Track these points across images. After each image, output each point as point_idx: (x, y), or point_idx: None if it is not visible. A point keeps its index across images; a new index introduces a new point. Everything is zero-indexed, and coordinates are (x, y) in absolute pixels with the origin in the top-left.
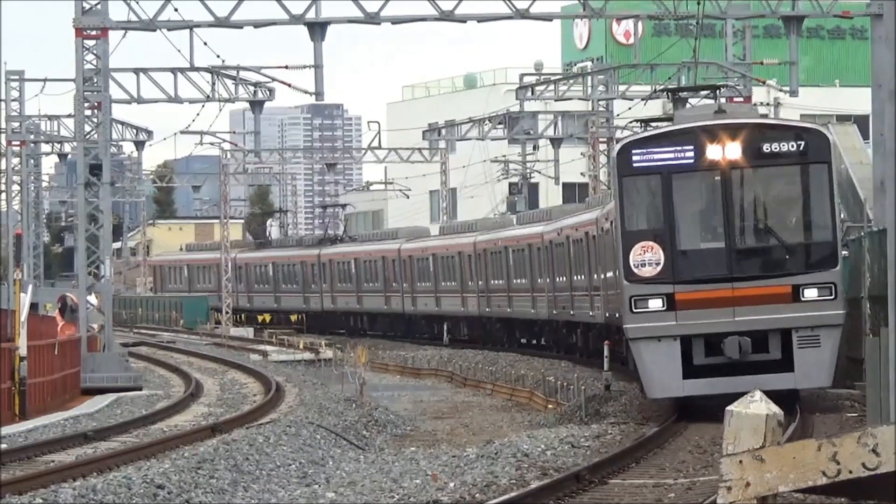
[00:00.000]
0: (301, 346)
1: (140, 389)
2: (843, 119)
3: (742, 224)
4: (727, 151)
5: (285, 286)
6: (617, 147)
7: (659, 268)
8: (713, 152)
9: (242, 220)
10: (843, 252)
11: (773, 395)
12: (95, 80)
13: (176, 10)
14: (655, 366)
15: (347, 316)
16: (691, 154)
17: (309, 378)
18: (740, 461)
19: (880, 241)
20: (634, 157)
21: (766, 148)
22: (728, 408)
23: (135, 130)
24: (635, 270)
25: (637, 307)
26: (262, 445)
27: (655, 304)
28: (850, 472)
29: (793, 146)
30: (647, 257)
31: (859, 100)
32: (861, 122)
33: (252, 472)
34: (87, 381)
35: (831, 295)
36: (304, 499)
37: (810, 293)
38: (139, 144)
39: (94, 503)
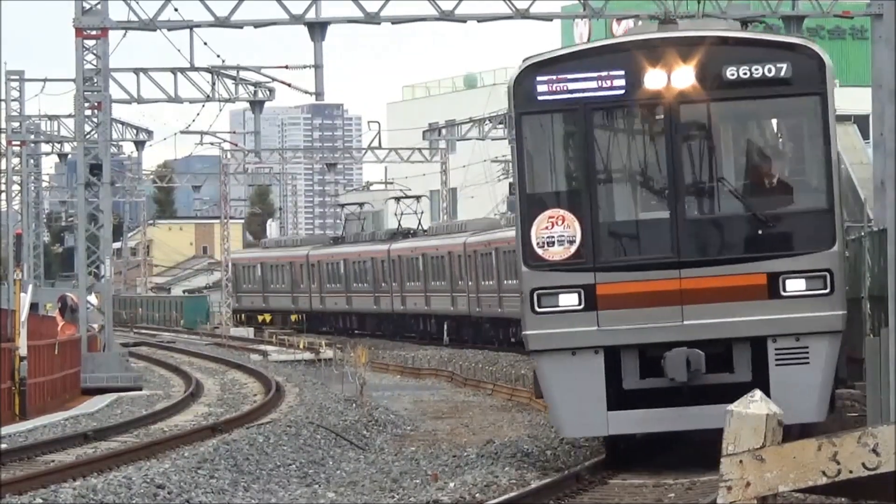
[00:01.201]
0: (301, 346)
1: (140, 389)
2: (843, 119)
3: (695, 184)
4: (675, 78)
5: (357, 285)
6: (515, 72)
7: (574, 247)
8: (654, 79)
9: (243, 220)
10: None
11: None
12: (95, 80)
13: (176, 10)
14: (568, 391)
15: (418, 319)
16: (622, 82)
17: (309, 378)
18: (740, 461)
19: (880, 241)
20: (539, 87)
21: (730, 73)
22: (728, 407)
23: (135, 130)
24: (539, 252)
25: (542, 305)
26: (262, 445)
27: (568, 300)
28: (851, 471)
29: (770, 70)
30: (557, 233)
31: (859, 100)
32: (861, 122)
33: (252, 472)
34: (87, 381)
35: (825, 288)
36: (304, 499)
37: (795, 285)
38: (139, 144)
39: (94, 503)
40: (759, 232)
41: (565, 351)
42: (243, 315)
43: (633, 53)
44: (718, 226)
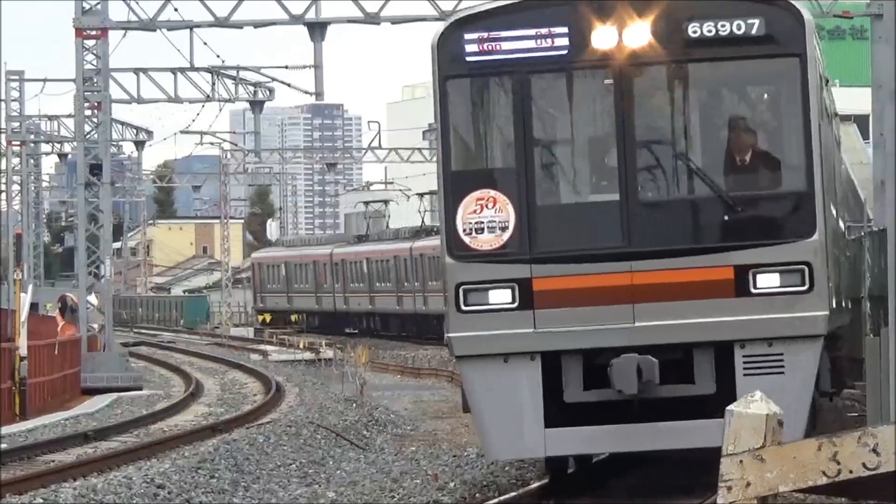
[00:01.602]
0: (301, 346)
1: (140, 389)
2: (843, 119)
3: (650, 161)
4: (627, 36)
5: (379, 285)
6: (440, 28)
7: (506, 235)
8: (603, 37)
9: (243, 220)
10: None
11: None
12: (95, 80)
13: (176, 10)
14: (498, 404)
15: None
16: (565, 41)
17: (309, 378)
18: (740, 461)
19: (880, 241)
20: (468, 46)
21: (693, 30)
22: (728, 408)
23: (135, 130)
24: (466, 240)
25: (468, 302)
26: (262, 445)
27: (500, 296)
28: (851, 471)
29: (741, 27)
30: (487, 217)
31: (859, 100)
32: (861, 122)
33: (252, 472)
34: (88, 381)
35: (803, 284)
36: (304, 499)
37: (767, 280)
38: (139, 144)
39: (94, 503)
40: (726, 218)
41: (496, 357)
42: (268, 316)
43: (578, 7)
44: (677, 210)
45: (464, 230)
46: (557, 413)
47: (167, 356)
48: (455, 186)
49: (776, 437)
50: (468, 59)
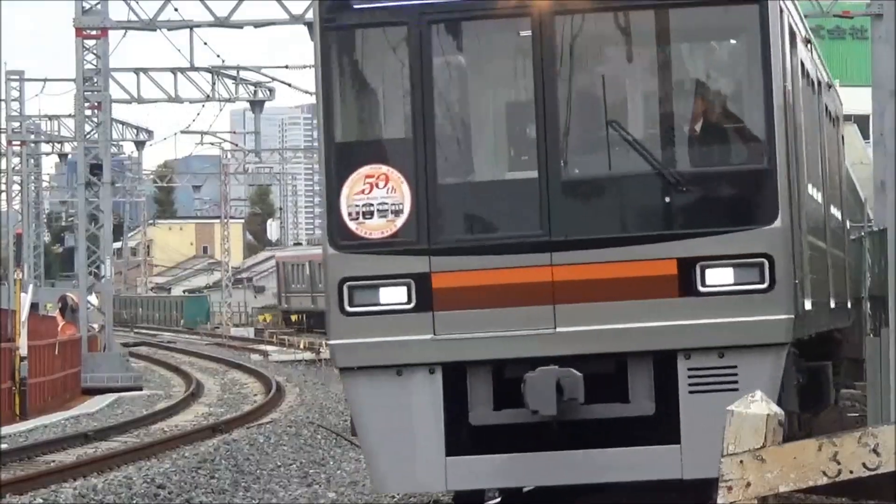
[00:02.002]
0: (301, 347)
1: (140, 389)
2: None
3: (576, 131)
4: None
5: None
6: None
7: (401, 220)
8: None
9: (243, 220)
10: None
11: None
12: (95, 80)
13: (176, 10)
14: (390, 427)
15: None
16: None
17: (309, 378)
18: (741, 461)
19: (880, 241)
20: None
21: None
22: (728, 408)
23: (135, 130)
24: (352, 226)
25: (354, 303)
26: (262, 445)
27: (392, 295)
28: (851, 472)
29: None
30: (378, 199)
31: (859, 100)
32: (861, 121)
33: (252, 472)
34: (88, 381)
35: (762, 281)
36: (304, 499)
37: (718, 276)
38: (139, 144)
39: (94, 503)
40: (667, 199)
41: (387, 370)
42: (294, 317)
43: None
44: (608, 190)
45: (349, 214)
46: (462, 438)
47: (167, 356)
48: (339, 161)
49: (776, 437)
50: (355, 6)
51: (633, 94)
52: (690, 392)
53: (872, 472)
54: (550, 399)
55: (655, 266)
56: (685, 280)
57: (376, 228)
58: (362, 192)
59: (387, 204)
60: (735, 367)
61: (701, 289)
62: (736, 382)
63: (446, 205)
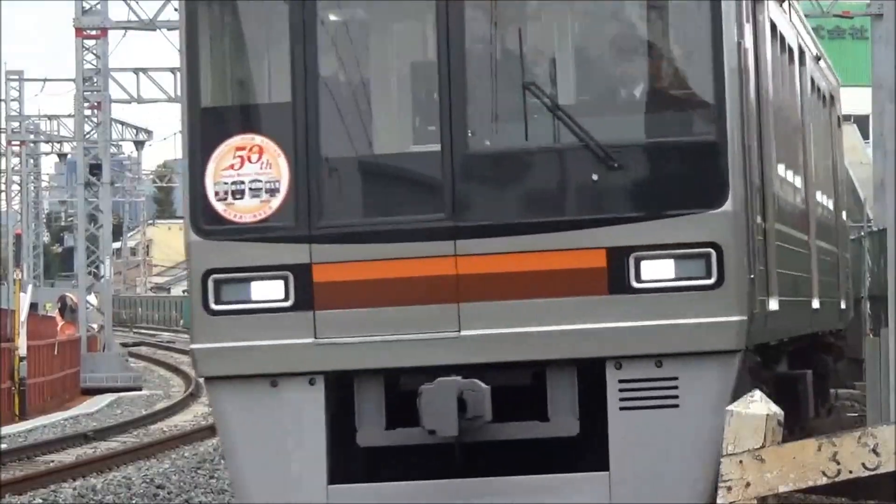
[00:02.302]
0: None
1: (140, 389)
2: (842, 119)
3: (486, 95)
4: None
5: None
6: None
7: (277, 201)
8: None
9: None
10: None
11: None
12: (95, 80)
13: (176, 9)
14: (261, 448)
15: None
16: None
17: None
18: (740, 461)
19: (880, 241)
20: None
21: None
22: (728, 408)
23: (134, 130)
24: (219, 207)
25: (221, 299)
26: None
27: (266, 291)
28: (851, 472)
29: None
30: (250, 175)
31: (859, 100)
32: (861, 122)
33: None
34: (87, 381)
35: (709, 276)
36: None
37: (655, 269)
38: (139, 144)
39: (94, 503)
40: (595, 177)
41: (260, 380)
42: None
43: None
44: (523, 165)
45: (216, 194)
46: (347, 462)
47: (167, 356)
48: (205, 130)
49: (776, 437)
50: None
51: (556, 53)
52: (622, 408)
53: (872, 472)
54: (450, 417)
55: (580, 257)
56: (616, 274)
57: (247, 211)
58: (231, 167)
59: (260, 181)
60: (675, 378)
61: (635, 284)
62: (677, 397)
63: (331, 183)
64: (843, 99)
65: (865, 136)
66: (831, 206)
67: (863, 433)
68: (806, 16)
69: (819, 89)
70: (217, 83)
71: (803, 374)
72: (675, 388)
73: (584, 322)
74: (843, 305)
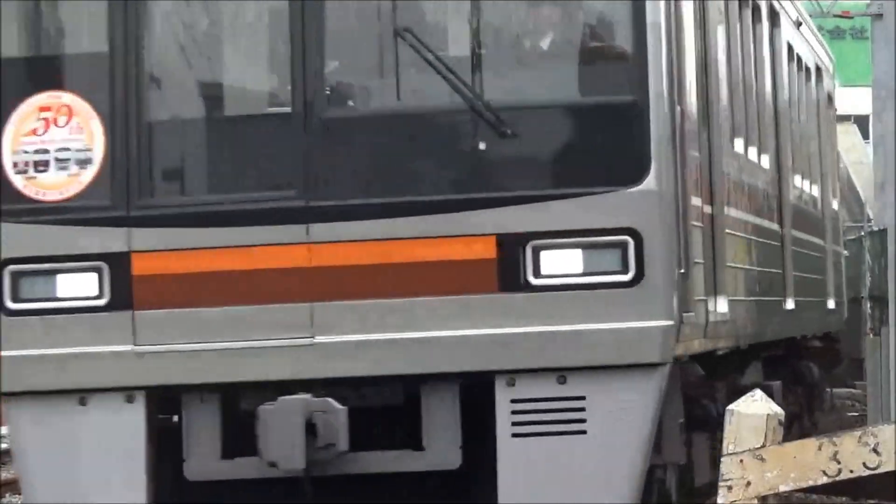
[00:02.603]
0: None
1: None
2: (842, 119)
3: (347, 44)
4: None
5: None
6: None
7: (89, 174)
8: None
9: None
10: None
11: None
12: None
13: None
14: (66, 478)
15: None
16: None
17: None
18: (741, 460)
19: (881, 241)
20: None
21: None
22: (728, 407)
23: None
24: (18, 181)
25: (21, 296)
26: None
27: (75, 286)
28: (851, 471)
29: None
30: (56, 143)
31: (859, 100)
32: (861, 122)
33: None
34: None
35: (625, 270)
36: None
37: (558, 262)
38: None
39: None
40: (483, 146)
41: (65, 396)
42: None
43: None
44: (395, 132)
45: (14, 165)
46: (174, 499)
47: None
48: (1, 85)
49: (776, 436)
50: None
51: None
52: (515, 435)
53: (872, 472)
54: (295, 446)
55: (464, 246)
56: (509, 267)
57: (53, 186)
58: (34, 132)
59: (69, 150)
60: (583, 398)
61: (532, 280)
62: (584, 421)
63: (157, 152)
64: (843, 99)
65: (865, 136)
66: (816, 194)
67: (863, 433)
68: None
69: (800, 59)
70: (18, 27)
71: (767, 386)
72: (583, 409)
73: (469, 327)
74: (830, 306)
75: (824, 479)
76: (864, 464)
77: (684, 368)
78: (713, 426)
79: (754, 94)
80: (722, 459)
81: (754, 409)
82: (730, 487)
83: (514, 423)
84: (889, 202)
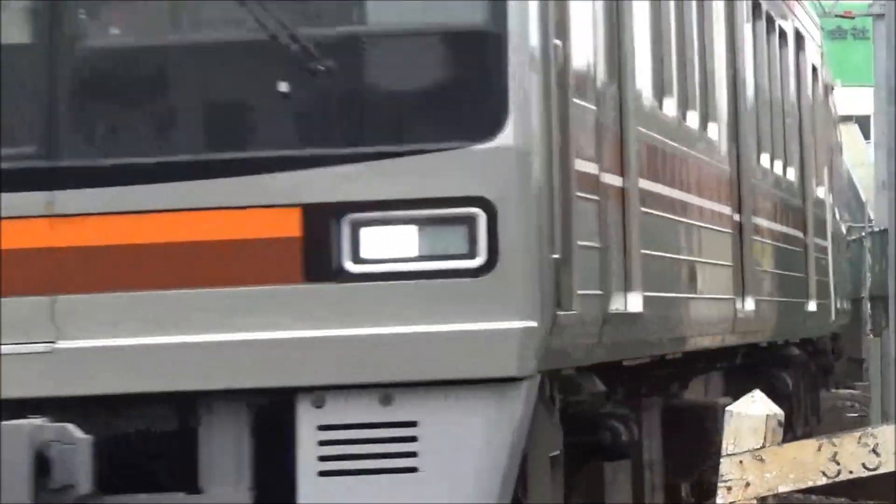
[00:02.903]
0: None
1: None
2: (843, 119)
3: None
4: None
5: None
6: None
7: None
8: None
9: None
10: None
11: None
12: None
13: None
14: None
15: None
16: None
17: None
18: (740, 461)
19: (881, 241)
20: None
21: None
22: (728, 408)
23: None
24: None
25: None
26: None
27: None
28: (850, 472)
29: None
30: None
31: (860, 100)
32: (862, 122)
33: None
34: None
35: (472, 254)
36: None
37: (384, 241)
38: None
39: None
40: (286, 90)
41: None
42: None
43: None
44: (166, 70)
45: None
46: None
47: None
48: None
49: (776, 437)
50: None
51: None
52: (322, 473)
53: (872, 473)
54: (19, 486)
55: (258, 219)
56: (318, 249)
57: None
58: None
59: None
60: (414, 424)
61: (350, 267)
62: (415, 455)
63: None
64: (844, 99)
65: (866, 136)
66: (792, 178)
67: (863, 433)
68: None
69: (770, 19)
70: None
71: (711, 405)
72: (413, 440)
73: (262, 329)
74: (810, 307)
75: (824, 480)
76: (863, 465)
77: (569, 383)
78: (621, 455)
79: (695, 49)
80: (721, 460)
81: (753, 409)
82: (729, 488)
83: (320, 458)
84: (889, 202)
